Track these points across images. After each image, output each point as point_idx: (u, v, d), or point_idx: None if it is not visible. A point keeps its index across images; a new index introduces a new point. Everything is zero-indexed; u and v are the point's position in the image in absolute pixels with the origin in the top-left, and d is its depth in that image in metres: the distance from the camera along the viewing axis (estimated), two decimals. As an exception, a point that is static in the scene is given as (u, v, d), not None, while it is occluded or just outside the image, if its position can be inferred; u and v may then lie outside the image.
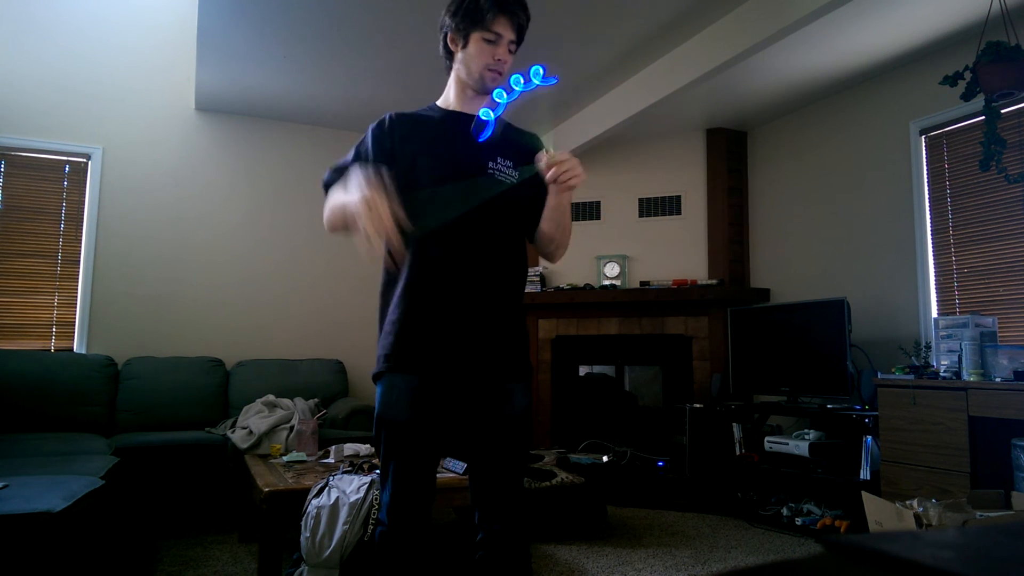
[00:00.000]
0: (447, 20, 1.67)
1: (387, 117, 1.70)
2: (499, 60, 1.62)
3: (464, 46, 1.64)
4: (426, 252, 1.62)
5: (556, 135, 4.90)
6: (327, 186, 1.68)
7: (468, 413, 1.63)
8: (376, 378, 1.65)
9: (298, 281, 4.87)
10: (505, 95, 1.57)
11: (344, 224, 1.55)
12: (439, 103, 1.75)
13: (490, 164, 1.65)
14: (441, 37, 1.70)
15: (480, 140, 1.60)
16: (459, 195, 1.62)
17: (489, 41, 1.61)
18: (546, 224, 1.65)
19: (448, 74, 1.73)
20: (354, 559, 2.27)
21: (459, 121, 1.69)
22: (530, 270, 3.82)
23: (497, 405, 1.62)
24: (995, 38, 2.81)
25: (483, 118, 1.58)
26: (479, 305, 1.62)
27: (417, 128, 1.68)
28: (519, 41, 1.66)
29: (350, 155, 1.70)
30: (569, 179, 1.52)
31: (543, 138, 1.95)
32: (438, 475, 2.05)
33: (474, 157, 1.64)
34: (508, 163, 1.66)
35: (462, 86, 1.70)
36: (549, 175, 1.52)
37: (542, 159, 1.54)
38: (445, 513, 3.14)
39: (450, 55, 1.69)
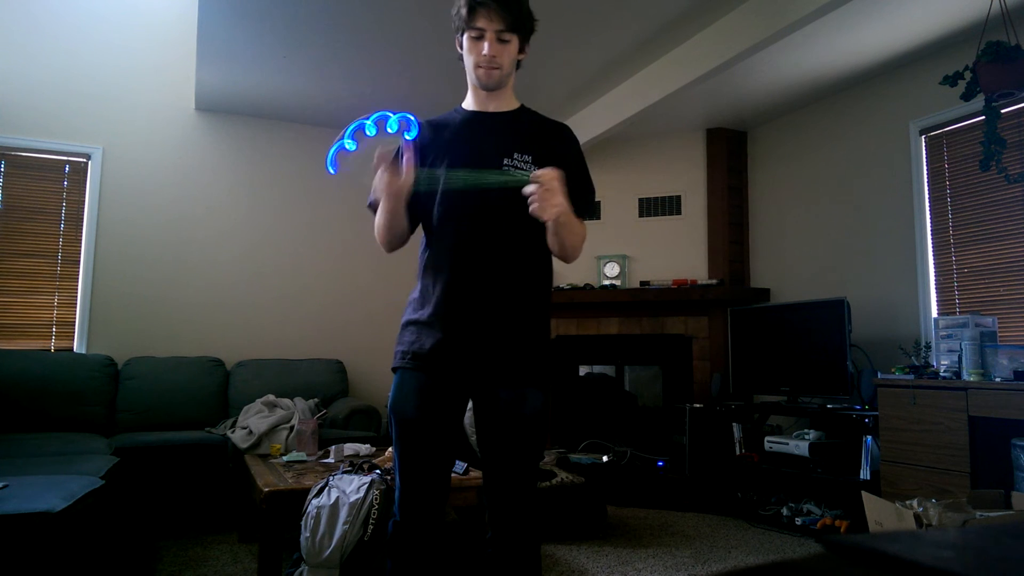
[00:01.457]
0: (452, 25, 1.69)
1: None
2: (487, 55, 1.62)
3: (462, 47, 1.68)
4: (442, 250, 1.65)
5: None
6: (371, 206, 1.74)
7: (480, 415, 1.65)
8: (393, 369, 1.70)
9: (298, 281, 4.87)
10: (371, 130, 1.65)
11: (387, 218, 1.64)
12: (463, 104, 1.77)
13: (505, 160, 1.65)
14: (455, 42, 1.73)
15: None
16: (465, 189, 1.63)
17: (475, 38, 1.62)
18: (548, 237, 1.64)
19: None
20: (354, 559, 2.27)
21: (477, 120, 1.72)
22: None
23: (510, 407, 1.62)
24: (995, 38, 2.81)
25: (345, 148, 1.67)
26: (494, 306, 1.62)
27: (438, 134, 1.72)
28: (512, 27, 1.62)
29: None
30: (538, 208, 1.49)
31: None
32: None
33: (489, 154, 1.65)
34: (527, 157, 1.66)
35: (473, 86, 1.73)
36: (531, 207, 1.49)
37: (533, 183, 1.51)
38: (445, 513, 3.14)
39: (461, 58, 1.72)
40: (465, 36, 1.63)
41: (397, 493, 1.65)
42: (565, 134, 1.76)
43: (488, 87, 1.68)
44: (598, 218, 5.12)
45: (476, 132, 1.69)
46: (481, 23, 1.60)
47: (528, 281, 1.68)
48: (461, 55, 1.70)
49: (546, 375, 1.69)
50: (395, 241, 1.71)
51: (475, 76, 1.66)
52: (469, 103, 1.75)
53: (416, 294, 1.70)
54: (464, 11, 1.60)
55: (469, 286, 1.61)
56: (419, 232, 1.77)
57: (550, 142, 1.71)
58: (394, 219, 1.65)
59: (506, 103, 1.73)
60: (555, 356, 5.06)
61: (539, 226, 1.64)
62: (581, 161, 1.75)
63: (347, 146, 1.67)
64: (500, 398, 1.62)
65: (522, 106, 1.76)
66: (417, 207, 1.69)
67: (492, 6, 1.59)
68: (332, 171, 1.69)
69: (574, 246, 1.67)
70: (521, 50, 1.68)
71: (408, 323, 1.69)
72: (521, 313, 1.65)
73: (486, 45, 1.61)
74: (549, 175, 1.49)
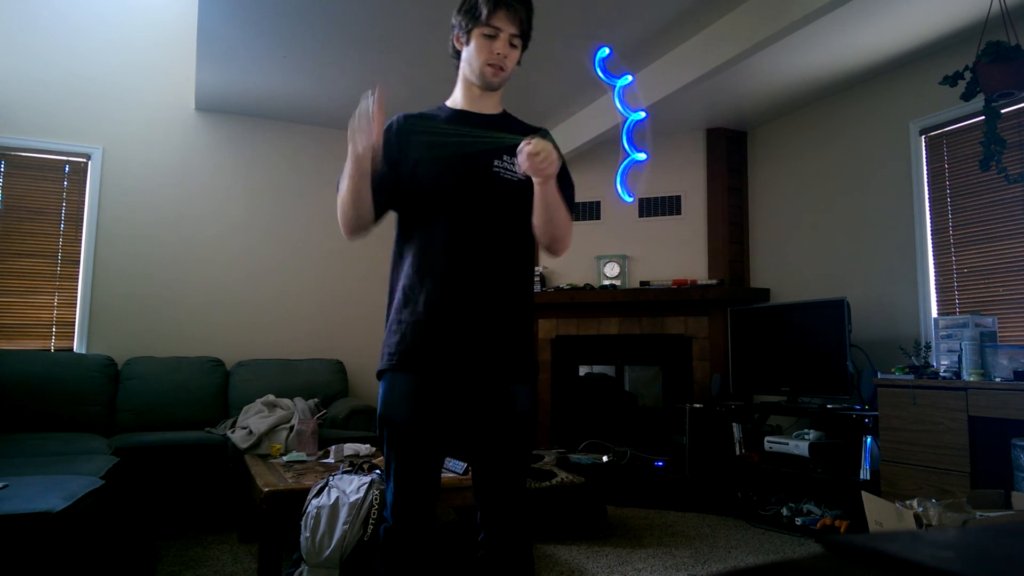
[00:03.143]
0: (453, 20, 1.68)
1: (394, 121, 1.71)
2: (499, 55, 1.62)
3: (467, 43, 1.66)
4: (429, 249, 1.63)
5: (557, 135, 4.89)
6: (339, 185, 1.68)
7: (470, 414, 1.64)
8: (380, 374, 1.66)
9: (298, 281, 4.87)
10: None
11: (354, 193, 1.58)
12: (448, 103, 1.75)
13: (496, 163, 1.65)
14: (450, 37, 1.71)
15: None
16: (459, 192, 1.62)
17: (488, 36, 1.62)
18: (535, 217, 1.63)
19: (457, 73, 1.74)
20: (354, 559, 2.27)
21: (465, 120, 1.70)
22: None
23: (499, 407, 1.62)
24: (995, 38, 2.81)
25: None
26: (482, 305, 1.61)
27: (423, 129, 1.69)
28: (523, 35, 1.65)
29: None
30: (541, 168, 1.51)
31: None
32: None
33: (479, 156, 1.64)
34: (514, 159, 1.66)
35: (468, 84, 1.71)
36: (524, 167, 1.51)
37: (524, 149, 1.51)
38: (445, 513, 3.14)
39: (458, 55, 1.71)
40: (474, 33, 1.62)
41: (390, 498, 1.63)
42: (548, 139, 1.77)
43: (492, 87, 1.68)
44: (598, 218, 5.12)
45: (465, 132, 1.67)
46: (499, 23, 1.60)
47: (516, 279, 1.68)
48: (458, 51, 1.69)
49: (533, 374, 1.70)
50: (357, 225, 1.67)
51: (481, 74, 1.65)
52: (456, 102, 1.73)
53: (399, 293, 1.66)
54: (485, 9, 1.59)
55: (461, 285, 1.60)
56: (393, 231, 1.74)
57: None
58: (358, 198, 1.60)
59: (492, 106, 1.73)
60: (556, 356, 5.06)
61: (525, 224, 1.65)
62: (563, 163, 1.74)
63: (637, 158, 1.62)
64: (490, 397, 1.62)
65: (505, 111, 1.77)
66: (391, 199, 1.66)
67: (517, 8, 1.61)
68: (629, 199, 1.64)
69: (562, 224, 1.65)
70: (518, 60, 1.69)
71: (395, 323, 1.65)
72: (510, 312, 1.65)
73: (498, 45, 1.62)
74: (540, 143, 1.51)
